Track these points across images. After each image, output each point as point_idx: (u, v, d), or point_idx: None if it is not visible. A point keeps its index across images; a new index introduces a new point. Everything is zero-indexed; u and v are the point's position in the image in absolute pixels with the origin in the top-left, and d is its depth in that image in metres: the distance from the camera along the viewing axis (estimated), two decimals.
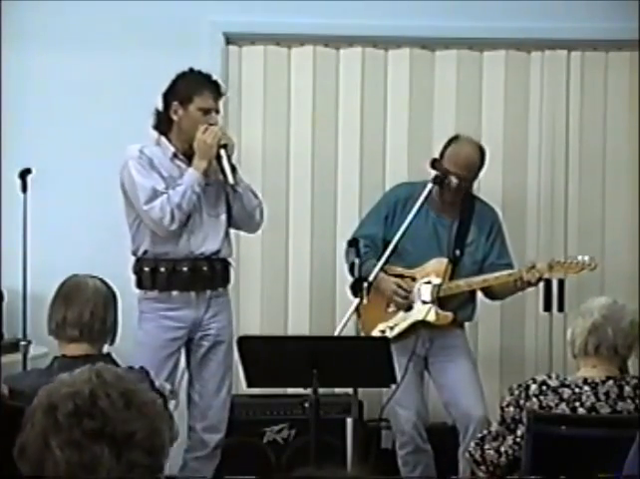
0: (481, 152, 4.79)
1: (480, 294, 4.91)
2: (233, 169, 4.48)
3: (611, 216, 5.60)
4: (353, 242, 4.44)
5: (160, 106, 4.58)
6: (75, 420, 1.69)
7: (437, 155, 4.78)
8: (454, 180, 4.68)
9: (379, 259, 4.46)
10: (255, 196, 4.63)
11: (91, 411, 1.70)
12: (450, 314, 4.76)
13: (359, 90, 5.51)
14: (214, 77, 4.58)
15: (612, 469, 2.99)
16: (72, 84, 5.28)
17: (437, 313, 4.73)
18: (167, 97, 4.55)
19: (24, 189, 4.72)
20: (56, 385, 1.74)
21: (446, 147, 4.78)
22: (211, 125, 4.46)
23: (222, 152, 4.43)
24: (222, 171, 4.47)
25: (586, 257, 4.68)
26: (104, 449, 1.68)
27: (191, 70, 4.56)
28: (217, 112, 4.55)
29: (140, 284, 4.58)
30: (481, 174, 4.84)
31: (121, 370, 1.79)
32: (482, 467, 3.57)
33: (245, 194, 4.57)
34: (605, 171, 5.61)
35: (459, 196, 4.75)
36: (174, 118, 4.54)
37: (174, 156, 4.55)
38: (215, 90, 4.53)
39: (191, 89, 4.51)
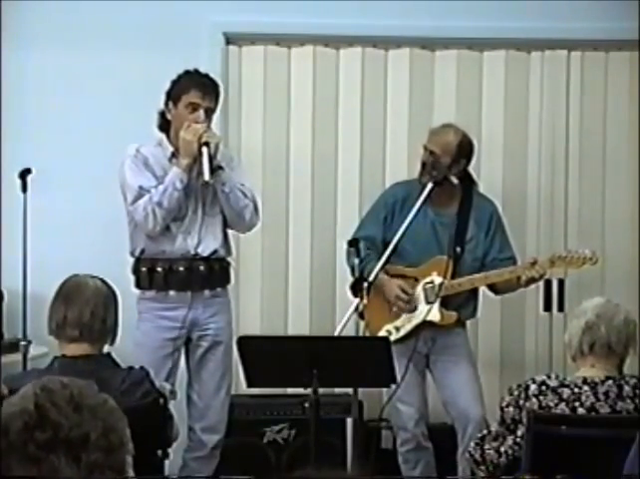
0: (464, 138, 4.74)
1: (481, 292, 4.91)
2: (219, 167, 4.44)
3: (611, 216, 5.59)
4: (353, 243, 4.43)
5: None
6: (26, 436, 1.71)
7: None
8: (427, 156, 4.69)
9: (379, 260, 4.46)
10: (245, 196, 4.56)
11: (40, 423, 1.72)
12: (454, 314, 4.75)
13: (359, 90, 5.50)
14: (213, 77, 4.57)
15: (612, 469, 2.99)
16: (72, 84, 5.29)
17: (441, 313, 4.72)
18: (165, 97, 4.55)
19: (24, 189, 4.71)
20: (4, 407, 1.76)
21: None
22: (196, 123, 4.43)
23: (204, 149, 4.39)
24: (201, 168, 4.41)
25: (587, 251, 4.66)
26: (60, 457, 1.70)
27: (189, 70, 4.55)
28: (210, 110, 4.50)
29: (138, 284, 4.58)
30: (482, 173, 4.82)
31: (67, 378, 1.80)
32: (483, 467, 3.57)
33: (233, 193, 4.52)
34: (605, 170, 5.61)
35: (437, 177, 4.69)
36: (169, 117, 4.55)
37: (173, 155, 4.55)
38: (205, 88, 4.48)
39: (181, 88, 4.50)
